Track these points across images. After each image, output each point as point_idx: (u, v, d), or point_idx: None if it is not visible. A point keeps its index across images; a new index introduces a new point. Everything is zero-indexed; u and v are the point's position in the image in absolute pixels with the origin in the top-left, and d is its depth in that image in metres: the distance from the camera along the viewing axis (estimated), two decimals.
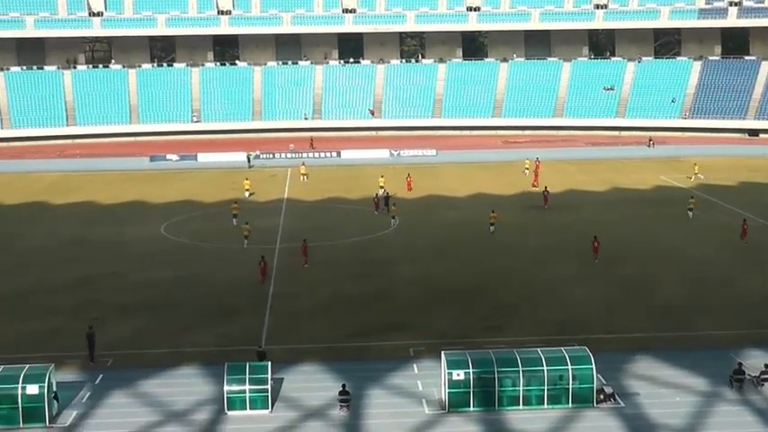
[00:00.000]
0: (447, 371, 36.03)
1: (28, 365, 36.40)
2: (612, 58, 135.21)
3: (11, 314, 48.88)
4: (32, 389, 34.83)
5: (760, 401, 36.44)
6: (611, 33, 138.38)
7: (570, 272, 54.97)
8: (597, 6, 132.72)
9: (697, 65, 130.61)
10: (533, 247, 61.92)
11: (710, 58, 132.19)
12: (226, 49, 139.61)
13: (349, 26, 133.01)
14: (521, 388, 35.98)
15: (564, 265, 56.79)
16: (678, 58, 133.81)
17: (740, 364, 38.28)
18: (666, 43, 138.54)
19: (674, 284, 52.72)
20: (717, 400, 36.56)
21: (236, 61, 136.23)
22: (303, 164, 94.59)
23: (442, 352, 37.44)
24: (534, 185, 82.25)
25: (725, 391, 37.33)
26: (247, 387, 36.01)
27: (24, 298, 51.74)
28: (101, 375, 39.82)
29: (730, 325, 45.58)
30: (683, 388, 37.74)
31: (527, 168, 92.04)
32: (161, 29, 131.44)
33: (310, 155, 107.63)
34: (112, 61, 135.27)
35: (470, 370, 35.88)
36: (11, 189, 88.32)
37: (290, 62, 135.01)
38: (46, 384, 35.00)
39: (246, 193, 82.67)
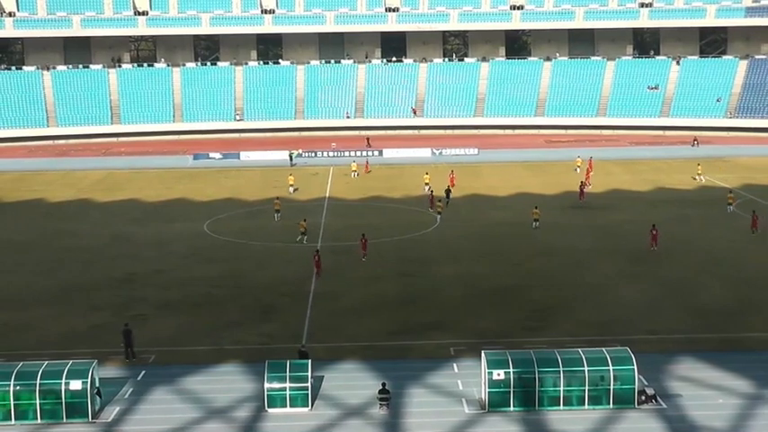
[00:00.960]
0: (487, 370, 35.94)
1: (71, 361, 36.80)
2: (657, 57, 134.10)
3: (55, 310, 49.44)
4: (76, 384, 35.20)
5: None
6: (655, 32, 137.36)
7: (613, 272, 54.55)
8: (642, 5, 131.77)
9: (743, 64, 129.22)
10: (576, 246, 61.51)
11: (757, 56, 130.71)
12: (269, 47, 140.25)
13: (392, 25, 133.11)
14: (561, 388, 35.79)
15: (606, 265, 56.37)
16: (724, 57, 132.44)
17: None
18: (712, 42, 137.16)
19: (717, 285, 52.19)
20: (761, 403, 36.12)
21: (280, 60, 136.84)
22: (354, 162, 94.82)
23: (483, 351, 37.36)
24: (586, 184, 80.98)
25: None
26: (288, 384, 36.14)
27: (69, 294, 52.33)
28: (143, 372, 40.17)
29: None
30: (727, 390, 37.34)
31: (578, 166, 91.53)
32: (205, 28, 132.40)
33: (351, 153, 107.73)
34: (158, 60, 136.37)
35: (511, 370, 35.75)
36: (56, 186, 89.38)
37: (332, 61, 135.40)
38: (89, 380, 35.38)
39: (291, 189, 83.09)
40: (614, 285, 51.96)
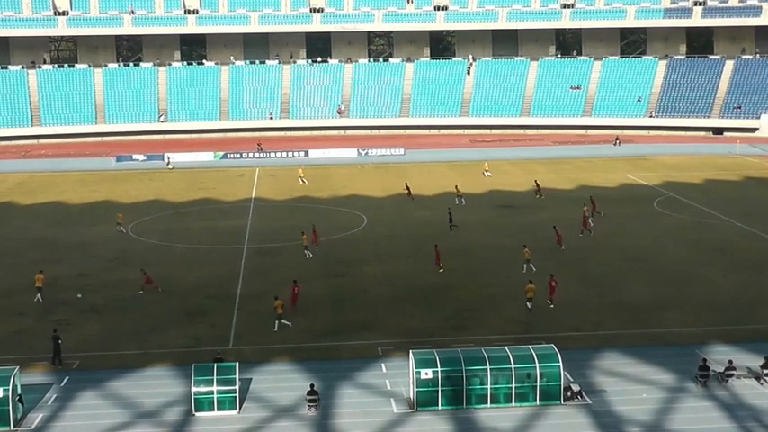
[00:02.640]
0: (415, 369, 36.09)
1: None
2: (579, 58, 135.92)
3: None
4: None
5: (725, 397, 36.76)
6: (577, 33, 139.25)
7: (537, 270, 55.10)
8: (564, 6, 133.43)
9: (662, 64, 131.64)
10: (501, 245, 62.03)
11: (676, 57, 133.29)
12: (193, 48, 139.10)
13: (317, 25, 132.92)
14: (489, 386, 36.10)
15: (538, 265, 56.98)
16: (644, 57, 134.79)
17: (705, 360, 38.63)
18: (632, 42, 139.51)
19: (639, 282, 53.08)
20: (683, 396, 36.87)
21: (204, 61, 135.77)
22: (301, 166, 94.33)
23: (411, 351, 37.52)
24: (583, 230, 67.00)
25: (690, 387, 37.65)
26: (215, 388, 35.88)
27: None
28: (67, 377, 39.54)
29: (695, 322, 45.94)
30: (650, 384, 38.02)
31: (486, 170, 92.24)
32: (127, 28, 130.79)
33: (277, 154, 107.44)
34: (79, 61, 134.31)
35: (438, 368, 35.96)
36: None
37: (257, 61, 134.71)
38: (10, 387, 34.68)
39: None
40: (538, 283, 52.40)
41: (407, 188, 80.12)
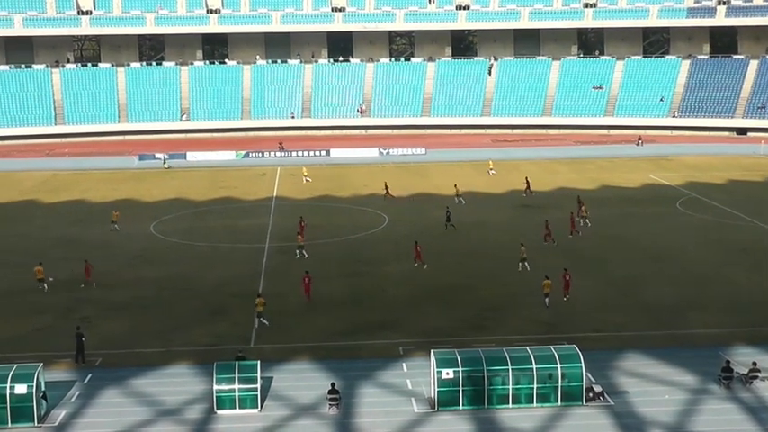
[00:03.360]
0: (436, 369, 36.06)
1: (16, 365, 36.30)
2: (601, 57, 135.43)
3: (0, 313, 48.72)
4: (21, 388, 34.73)
5: (748, 399, 36.55)
6: (600, 32, 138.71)
7: (560, 270, 54.88)
8: (586, 5, 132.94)
9: (686, 63, 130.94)
10: (531, 247, 61.74)
11: (699, 56, 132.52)
12: (215, 47, 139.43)
13: (338, 25, 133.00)
14: (510, 386, 36.03)
15: (554, 263, 56.76)
16: (667, 57, 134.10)
17: (728, 361, 38.44)
18: (655, 42, 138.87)
19: (663, 283, 52.85)
20: (705, 398, 36.68)
21: (226, 60, 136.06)
22: (305, 166, 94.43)
23: (432, 350, 37.49)
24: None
25: (713, 389, 37.46)
26: (236, 386, 35.97)
27: (14, 297, 51.61)
28: (90, 374, 39.75)
29: (718, 323, 45.72)
30: (672, 385, 37.84)
31: (491, 169, 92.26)
32: (150, 27, 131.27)
33: (298, 153, 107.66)
34: (102, 60, 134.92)
35: (460, 368, 35.92)
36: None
37: (279, 61, 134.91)
38: (34, 384, 34.90)
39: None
40: (561, 283, 52.24)
41: (386, 188, 79.83)
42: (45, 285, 52.51)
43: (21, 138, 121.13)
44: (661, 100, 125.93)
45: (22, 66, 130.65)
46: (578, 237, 64.29)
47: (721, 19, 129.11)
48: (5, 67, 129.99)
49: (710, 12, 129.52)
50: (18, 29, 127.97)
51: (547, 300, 48.32)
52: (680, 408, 35.79)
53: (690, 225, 68.09)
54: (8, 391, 34.67)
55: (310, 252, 59.81)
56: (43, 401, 35.80)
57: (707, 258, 58.45)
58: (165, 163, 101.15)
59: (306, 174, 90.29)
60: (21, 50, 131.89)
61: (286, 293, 51.36)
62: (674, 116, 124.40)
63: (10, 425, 34.69)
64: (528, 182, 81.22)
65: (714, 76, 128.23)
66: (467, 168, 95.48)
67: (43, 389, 36.00)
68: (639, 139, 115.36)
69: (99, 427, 34.86)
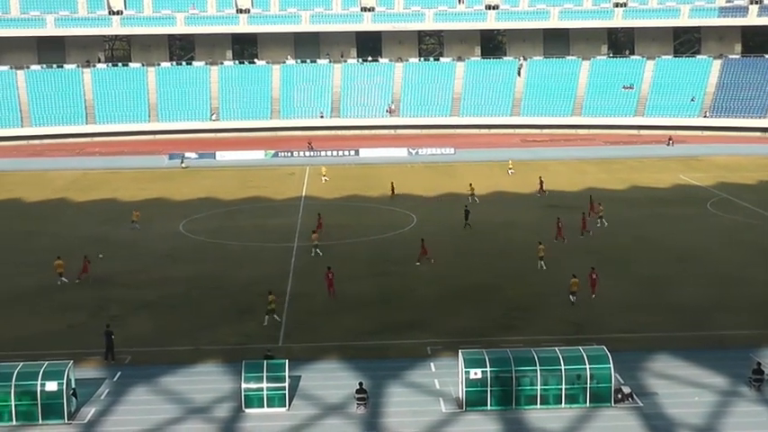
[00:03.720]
0: (464, 369, 36.01)
1: (47, 362, 36.57)
2: (632, 57, 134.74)
3: (31, 311, 49.16)
4: (51, 385, 35.01)
5: None
6: (630, 32, 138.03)
7: (588, 270, 54.71)
8: (617, 5, 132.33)
9: (717, 63, 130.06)
10: (551, 245, 61.56)
11: (731, 56, 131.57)
12: (245, 47, 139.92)
13: (367, 24, 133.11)
14: (538, 387, 35.92)
15: (582, 263, 56.52)
16: (698, 57, 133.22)
17: (759, 363, 38.10)
18: (686, 41, 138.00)
19: (692, 283, 52.51)
20: (735, 400, 36.41)
21: (255, 60, 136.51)
22: (324, 166, 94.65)
23: (460, 350, 37.44)
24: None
25: (744, 391, 37.17)
26: (265, 385, 36.08)
27: (44, 294, 52.02)
28: (119, 372, 40.00)
29: (748, 324, 45.37)
30: (702, 387, 37.59)
31: (511, 168, 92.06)
32: (180, 27, 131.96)
33: (327, 153, 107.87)
34: (133, 60, 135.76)
35: (488, 368, 35.85)
36: (31, 187, 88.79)
37: (308, 60, 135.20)
38: (65, 381, 35.18)
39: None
40: (588, 282, 52.08)
41: (392, 188, 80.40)
42: (63, 279, 53.77)
43: (52, 137, 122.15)
44: (692, 100, 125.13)
45: (54, 65, 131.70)
46: (591, 236, 64.02)
47: (753, 18, 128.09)
48: (37, 67, 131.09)
49: (742, 11, 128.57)
50: (50, 29, 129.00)
51: (573, 297, 48.44)
52: (709, 410, 35.55)
53: (720, 226, 67.63)
54: (39, 388, 34.96)
55: (339, 251, 59.90)
56: (73, 399, 36.06)
57: (737, 259, 58.03)
58: (182, 162, 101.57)
59: (324, 173, 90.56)
60: (52, 50, 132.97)
61: (314, 293, 51.45)
62: (705, 116, 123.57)
63: (40, 421, 34.99)
64: (541, 181, 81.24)
65: (746, 76, 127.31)
66: (495, 168, 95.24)
67: (73, 386, 36.25)
68: (670, 139, 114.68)
69: (128, 424, 35.06)
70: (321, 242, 61.04)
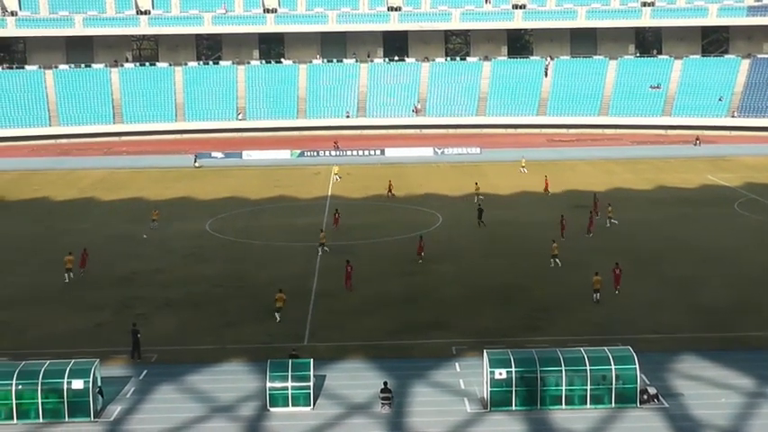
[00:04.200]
0: (489, 369, 35.93)
1: (73, 360, 36.80)
2: (659, 56, 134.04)
3: (58, 308, 49.48)
4: (78, 383, 35.21)
5: None
6: (657, 31, 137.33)
7: (605, 268, 54.43)
8: (644, 4, 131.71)
9: (745, 63, 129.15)
10: (577, 245, 61.41)
11: (759, 56, 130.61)
12: (271, 46, 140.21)
13: (394, 24, 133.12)
14: (563, 387, 35.79)
15: (608, 263, 56.24)
16: (726, 56, 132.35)
17: None
18: (714, 41, 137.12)
19: (720, 284, 52.16)
20: (763, 402, 36.11)
21: (282, 59, 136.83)
22: (337, 165, 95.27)
23: (485, 350, 37.35)
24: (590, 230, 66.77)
25: None
26: (290, 384, 36.14)
27: (71, 293, 52.37)
28: (145, 370, 40.19)
29: None
30: (729, 388, 37.32)
31: (523, 167, 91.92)
32: (207, 27, 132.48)
33: (353, 152, 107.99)
34: (160, 59, 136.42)
35: (513, 369, 35.75)
36: (58, 185, 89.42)
37: (334, 60, 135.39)
38: (91, 379, 35.37)
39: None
40: (612, 277, 51.85)
41: (390, 187, 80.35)
42: (70, 275, 54.77)
43: (80, 136, 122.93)
44: (720, 100, 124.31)
45: (82, 65, 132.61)
46: (594, 236, 64.07)
47: None
48: (66, 67, 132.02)
49: None
50: (78, 29, 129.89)
51: (597, 295, 48.63)
52: (736, 411, 35.30)
53: (747, 226, 67.14)
54: (65, 386, 35.18)
55: (363, 251, 59.88)
56: (99, 397, 36.27)
57: (764, 260, 57.56)
58: (195, 162, 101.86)
59: (337, 172, 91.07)
60: (81, 50, 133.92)
61: (339, 292, 51.51)
62: (732, 116, 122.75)
63: (67, 419, 35.20)
64: (546, 181, 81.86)
65: None
66: (518, 168, 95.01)
67: (99, 384, 36.46)
68: (697, 139, 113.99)
69: (154, 422, 35.23)
70: (343, 242, 61.06)
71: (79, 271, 55.54)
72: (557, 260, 56.33)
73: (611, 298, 49.18)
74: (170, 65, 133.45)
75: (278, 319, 46.44)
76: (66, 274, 54.83)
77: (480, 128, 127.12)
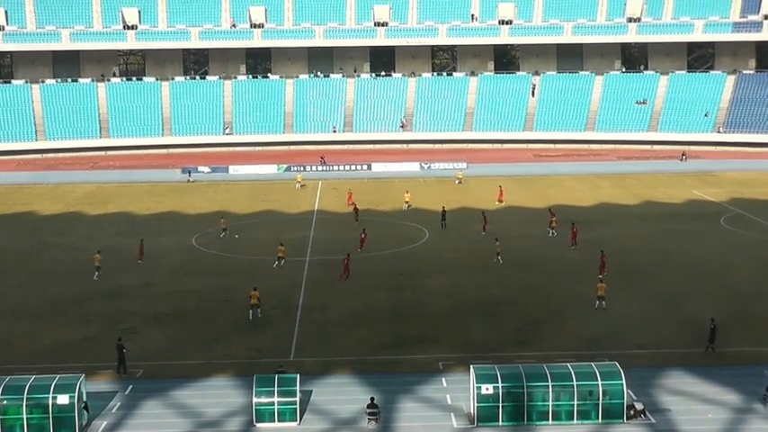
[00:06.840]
0: (476, 385, 35.92)
1: (59, 375, 36.67)
2: (645, 72, 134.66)
3: (44, 323, 49.25)
4: (63, 399, 35.06)
5: None
6: (644, 47, 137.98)
7: (597, 277, 54.56)
8: (630, 20, 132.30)
9: (731, 78, 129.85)
10: (564, 260, 61.55)
11: (745, 71, 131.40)
12: (258, 61, 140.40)
13: (381, 39, 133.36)
14: (550, 403, 35.80)
15: (595, 278, 56.34)
16: (712, 72, 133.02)
17: None
18: (700, 57, 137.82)
19: (705, 299, 52.27)
20: (750, 417, 36.19)
21: (269, 74, 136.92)
22: (300, 175, 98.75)
23: (471, 366, 37.34)
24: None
25: (758, 408, 36.95)
26: (276, 399, 36.05)
27: (57, 307, 52.15)
28: (131, 386, 40.04)
29: (763, 341, 45.12)
30: (716, 404, 37.38)
31: (459, 179, 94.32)
32: (194, 42, 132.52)
33: (340, 167, 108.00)
34: (147, 74, 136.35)
35: (499, 384, 35.75)
36: (45, 200, 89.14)
37: (321, 75, 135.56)
38: (76, 394, 35.23)
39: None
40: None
41: (355, 208, 78.27)
42: (98, 274, 58.00)
43: (66, 150, 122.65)
44: (705, 115, 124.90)
45: (69, 79, 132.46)
46: (579, 250, 64.60)
47: (767, 34, 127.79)
48: (52, 81, 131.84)
49: (757, 26, 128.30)
50: (65, 43, 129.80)
51: (602, 303, 49.69)
52: (723, 427, 35.36)
53: (733, 241, 67.36)
54: (50, 402, 35.01)
55: (351, 265, 59.74)
56: (85, 412, 36.10)
57: (751, 275, 57.76)
58: (189, 176, 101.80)
59: (300, 180, 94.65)
60: (67, 64, 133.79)
61: (326, 306, 51.45)
62: (718, 132, 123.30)
63: None
64: (501, 190, 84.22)
65: (760, 91, 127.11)
66: (507, 183, 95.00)
67: (85, 399, 36.30)
68: (683, 154, 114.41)
69: None
70: (330, 256, 60.96)
71: (138, 259, 61.88)
72: (499, 258, 60.64)
73: (599, 312, 49.24)
74: (157, 79, 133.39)
75: (251, 317, 47.47)
76: (95, 272, 58.07)
77: (467, 143, 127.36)
